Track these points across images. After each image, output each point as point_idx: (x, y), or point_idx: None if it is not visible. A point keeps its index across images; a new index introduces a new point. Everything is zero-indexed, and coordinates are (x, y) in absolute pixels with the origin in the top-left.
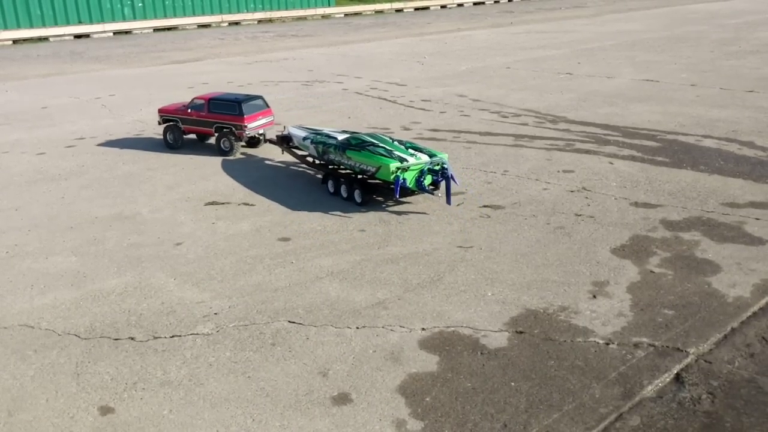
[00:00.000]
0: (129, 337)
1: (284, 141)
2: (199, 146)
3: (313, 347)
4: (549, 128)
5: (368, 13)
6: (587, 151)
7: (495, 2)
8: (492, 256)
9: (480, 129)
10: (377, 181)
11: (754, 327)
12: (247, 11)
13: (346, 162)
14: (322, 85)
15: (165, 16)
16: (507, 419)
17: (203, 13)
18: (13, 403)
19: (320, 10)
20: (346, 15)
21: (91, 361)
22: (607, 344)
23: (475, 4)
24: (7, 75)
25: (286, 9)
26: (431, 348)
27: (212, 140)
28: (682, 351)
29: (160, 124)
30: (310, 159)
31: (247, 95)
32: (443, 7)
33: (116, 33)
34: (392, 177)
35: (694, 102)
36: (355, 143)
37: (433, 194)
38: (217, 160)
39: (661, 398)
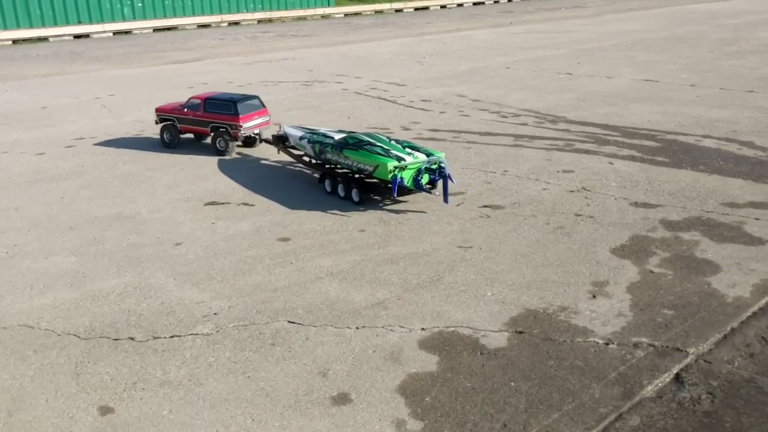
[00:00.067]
0: (129, 337)
1: (280, 141)
2: (199, 146)
3: (312, 347)
4: (549, 128)
5: (368, 13)
6: (587, 151)
7: (495, 2)
8: (492, 256)
9: (480, 129)
10: (375, 180)
11: (753, 327)
12: (247, 11)
13: (343, 161)
14: (322, 85)
15: (165, 16)
16: (507, 419)
17: (203, 13)
18: (12, 403)
19: (320, 10)
20: (346, 15)
21: (91, 361)
22: (607, 344)
23: (474, 4)
24: (7, 75)
25: (286, 9)
26: (431, 348)
27: (208, 140)
28: (681, 351)
29: (156, 123)
30: (306, 159)
31: (243, 95)
32: (443, 7)
33: (116, 33)
34: (390, 176)
35: (694, 102)
36: (353, 142)
37: (430, 193)
38: (217, 160)
39: (660, 398)
